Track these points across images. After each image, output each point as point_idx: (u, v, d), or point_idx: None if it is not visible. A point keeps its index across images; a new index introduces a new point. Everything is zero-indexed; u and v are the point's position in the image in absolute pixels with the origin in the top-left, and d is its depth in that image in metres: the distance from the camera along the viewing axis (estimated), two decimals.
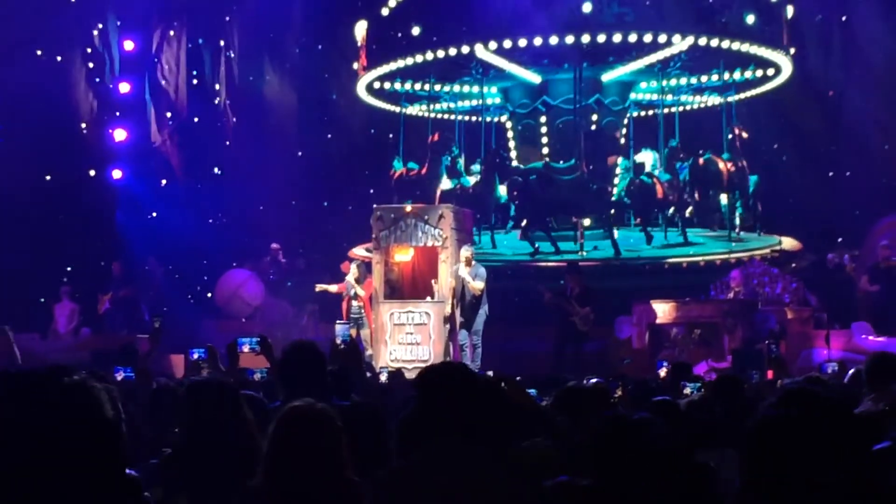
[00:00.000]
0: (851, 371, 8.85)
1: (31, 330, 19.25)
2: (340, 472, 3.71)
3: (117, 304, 20.20)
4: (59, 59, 22.80)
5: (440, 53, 20.73)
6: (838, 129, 23.68)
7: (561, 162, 21.02)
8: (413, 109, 24.69)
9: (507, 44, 20.14)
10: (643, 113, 24.86)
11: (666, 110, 23.35)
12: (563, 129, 22.13)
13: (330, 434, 3.74)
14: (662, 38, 20.18)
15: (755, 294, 18.17)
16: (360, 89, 23.64)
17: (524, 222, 20.61)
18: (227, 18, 25.82)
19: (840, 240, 20.78)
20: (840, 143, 23.54)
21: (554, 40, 20.00)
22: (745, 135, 21.79)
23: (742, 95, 23.40)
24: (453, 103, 24.38)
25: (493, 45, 20.38)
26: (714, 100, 23.96)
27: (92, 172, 22.73)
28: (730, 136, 21.50)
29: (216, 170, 25.35)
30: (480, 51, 20.54)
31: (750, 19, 20.56)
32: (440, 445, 3.65)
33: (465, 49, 20.50)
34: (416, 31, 20.82)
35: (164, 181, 24.34)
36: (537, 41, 20.02)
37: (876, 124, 23.03)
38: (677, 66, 21.76)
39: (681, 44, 20.37)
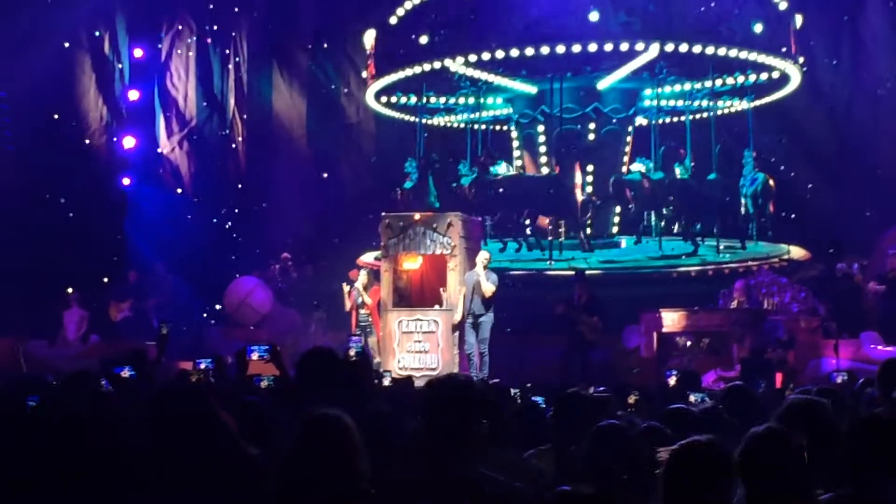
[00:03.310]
0: (861, 381, 8.83)
1: (40, 336, 19.27)
2: (356, 482, 3.68)
3: (138, 313, 20.25)
4: (68, 66, 22.91)
5: (436, 65, 20.64)
6: (847, 139, 23.63)
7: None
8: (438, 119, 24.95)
9: (515, 53, 19.94)
10: (643, 122, 24.80)
11: (664, 121, 23.41)
12: (564, 138, 22.06)
13: (349, 443, 3.72)
14: (668, 48, 20.03)
15: (759, 304, 18.14)
16: (370, 97, 23.66)
17: (682, 222, 21.39)
18: (236, 28, 25.91)
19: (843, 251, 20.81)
20: (849, 152, 23.48)
21: (561, 49, 19.82)
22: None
23: (749, 105, 23.31)
24: (465, 112, 24.37)
25: (500, 53, 20.08)
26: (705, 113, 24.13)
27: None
28: (754, 153, 21.66)
29: (225, 177, 25.41)
30: (532, 54, 20.18)
31: (757, 28, 20.40)
32: (448, 456, 3.65)
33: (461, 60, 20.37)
34: (423, 39, 20.71)
35: (173, 188, 24.42)
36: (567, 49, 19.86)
37: (884, 134, 23.01)
38: (685, 75, 21.85)
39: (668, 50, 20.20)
